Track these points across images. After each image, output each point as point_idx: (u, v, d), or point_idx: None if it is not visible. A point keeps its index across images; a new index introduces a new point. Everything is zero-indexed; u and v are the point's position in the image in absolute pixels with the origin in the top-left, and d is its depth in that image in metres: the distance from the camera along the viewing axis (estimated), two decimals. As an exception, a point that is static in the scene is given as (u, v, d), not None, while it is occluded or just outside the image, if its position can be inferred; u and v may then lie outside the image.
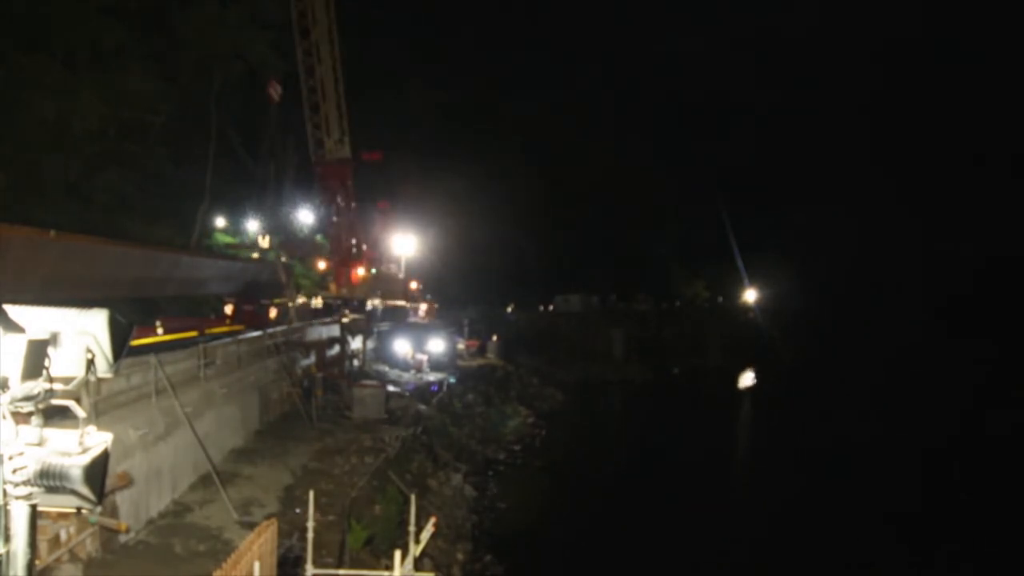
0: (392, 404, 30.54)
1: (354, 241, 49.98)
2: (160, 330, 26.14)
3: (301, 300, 41.50)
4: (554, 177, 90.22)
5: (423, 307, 57.39)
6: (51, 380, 2.70)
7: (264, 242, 53.83)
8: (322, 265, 52.15)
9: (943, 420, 48.89)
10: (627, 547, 24.00)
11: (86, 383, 2.87)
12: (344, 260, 49.54)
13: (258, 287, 39.03)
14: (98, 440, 2.81)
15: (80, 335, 2.80)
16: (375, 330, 44.87)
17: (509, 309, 78.68)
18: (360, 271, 50.19)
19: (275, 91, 45.07)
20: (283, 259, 48.63)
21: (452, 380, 41.99)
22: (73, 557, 11.35)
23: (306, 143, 46.85)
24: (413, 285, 59.12)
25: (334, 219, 49.77)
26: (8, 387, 2.58)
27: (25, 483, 2.62)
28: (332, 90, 45.03)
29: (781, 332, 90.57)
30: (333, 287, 49.59)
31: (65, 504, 2.74)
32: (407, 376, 40.31)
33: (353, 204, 49.33)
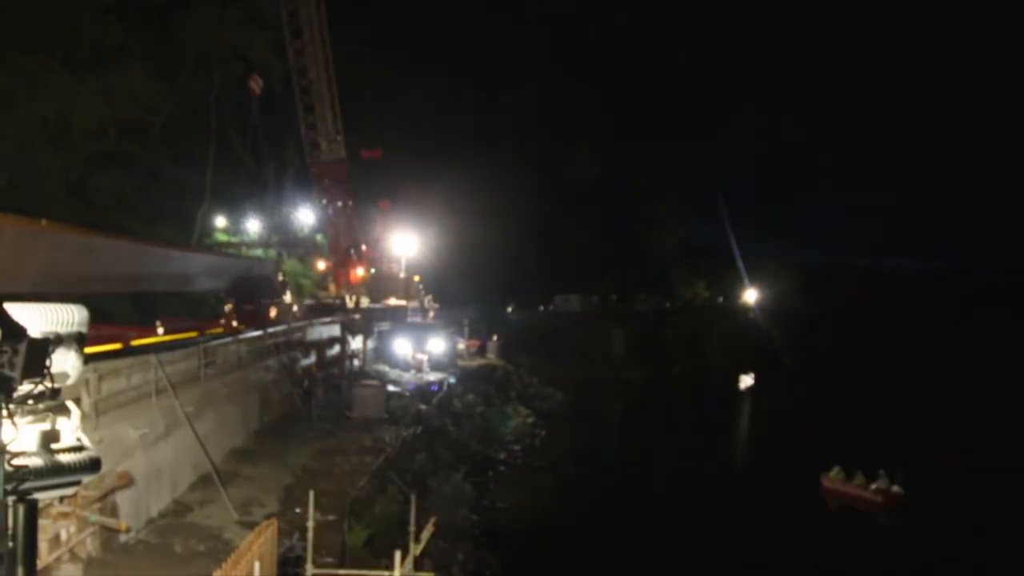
0: (392, 404, 30.53)
1: (353, 241, 49.96)
2: (160, 330, 26.16)
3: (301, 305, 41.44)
4: (554, 177, 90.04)
5: (426, 306, 57.25)
6: (52, 379, 2.70)
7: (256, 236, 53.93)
8: (321, 265, 52.13)
9: (943, 415, 48.88)
10: (627, 547, 23.99)
11: (86, 382, 2.87)
12: (343, 260, 49.53)
13: (258, 287, 38.93)
14: (93, 438, 2.82)
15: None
16: (375, 330, 44.87)
17: (509, 309, 78.52)
18: (359, 271, 50.18)
19: (256, 84, 44.87)
20: (280, 258, 48.64)
21: (452, 380, 41.95)
22: (73, 556, 11.36)
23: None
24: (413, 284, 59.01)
25: (332, 219, 49.77)
26: (9, 386, 2.57)
27: (25, 482, 2.61)
28: (325, 90, 44.95)
29: (781, 332, 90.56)
30: (333, 287, 49.56)
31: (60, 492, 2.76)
32: (407, 376, 40.29)
33: (351, 204, 49.31)
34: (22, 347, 2.56)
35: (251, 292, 36.43)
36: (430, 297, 59.34)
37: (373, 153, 54.46)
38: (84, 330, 2.91)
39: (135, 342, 20.62)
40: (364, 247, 51.61)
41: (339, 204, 48.53)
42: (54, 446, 2.76)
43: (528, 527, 25.08)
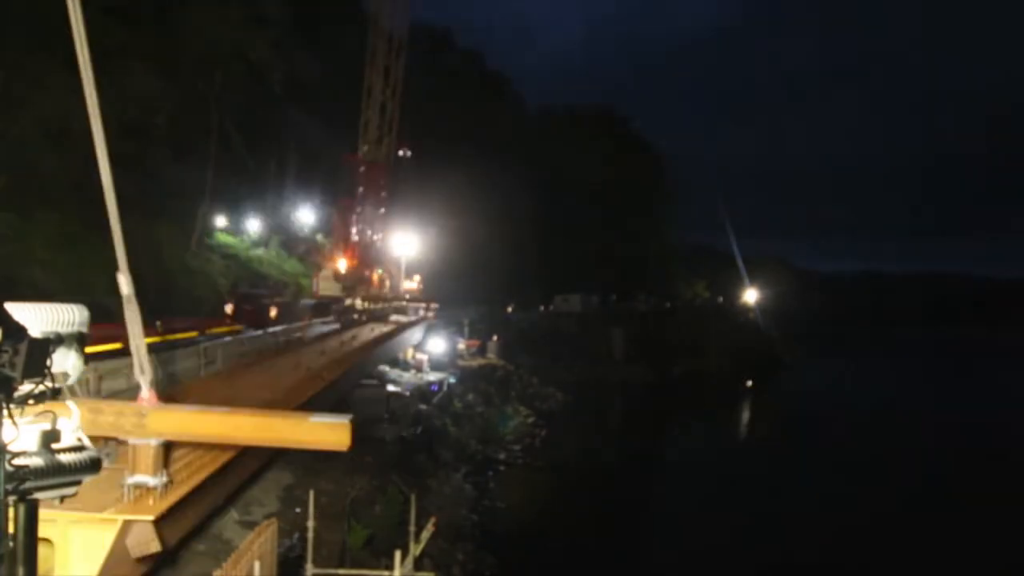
0: (392, 404, 30.51)
1: (368, 241, 49.88)
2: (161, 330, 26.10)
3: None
4: (554, 177, 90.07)
5: (428, 305, 57.06)
6: (53, 379, 2.70)
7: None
8: (343, 265, 51.44)
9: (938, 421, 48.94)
10: (627, 547, 24.00)
11: (87, 382, 2.87)
12: (364, 260, 49.36)
13: (258, 287, 38.97)
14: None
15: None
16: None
17: (509, 309, 78.49)
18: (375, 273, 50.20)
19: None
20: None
21: (452, 380, 41.95)
22: (73, 556, 11.32)
23: (307, 143, 46.96)
24: (414, 285, 58.90)
25: (359, 218, 49.44)
26: (9, 386, 2.57)
27: (25, 482, 2.61)
28: (380, 92, 45.54)
29: (781, 333, 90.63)
30: (340, 288, 49.28)
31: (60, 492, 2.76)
32: (407, 376, 40.28)
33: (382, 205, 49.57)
34: (23, 347, 2.56)
35: (251, 292, 36.55)
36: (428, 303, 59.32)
37: None
38: (85, 330, 2.91)
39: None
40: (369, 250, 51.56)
41: (376, 203, 48.55)
42: (54, 446, 2.76)
43: (528, 527, 25.08)
